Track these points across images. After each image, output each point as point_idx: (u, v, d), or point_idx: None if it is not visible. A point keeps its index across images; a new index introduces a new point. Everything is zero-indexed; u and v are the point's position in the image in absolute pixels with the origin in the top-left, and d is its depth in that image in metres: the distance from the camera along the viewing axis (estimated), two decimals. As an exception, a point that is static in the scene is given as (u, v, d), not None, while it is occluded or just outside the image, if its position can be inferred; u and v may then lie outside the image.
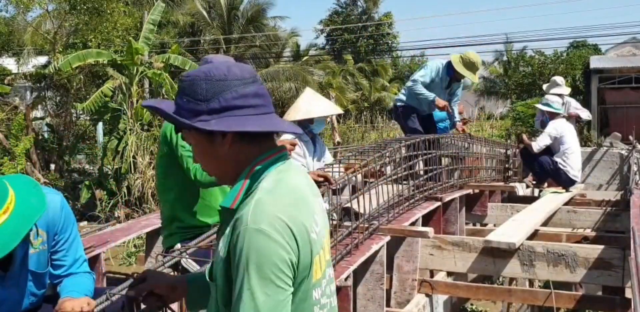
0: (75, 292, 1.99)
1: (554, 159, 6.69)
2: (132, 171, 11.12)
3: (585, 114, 7.75)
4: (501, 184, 6.81)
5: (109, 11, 12.88)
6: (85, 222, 10.29)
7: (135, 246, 9.31)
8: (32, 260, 1.94)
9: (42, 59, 16.97)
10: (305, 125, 3.73)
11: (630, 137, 10.57)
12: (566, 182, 6.77)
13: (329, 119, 7.74)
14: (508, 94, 26.27)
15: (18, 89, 16.05)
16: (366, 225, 3.73)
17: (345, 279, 3.20)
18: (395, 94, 26.51)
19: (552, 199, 6.42)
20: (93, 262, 3.41)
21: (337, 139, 15.91)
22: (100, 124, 13.64)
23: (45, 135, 14.20)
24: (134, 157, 11.06)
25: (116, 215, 10.70)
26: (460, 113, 6.79)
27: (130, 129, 11.42)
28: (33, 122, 13.10)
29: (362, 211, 3.75)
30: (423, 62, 38.25)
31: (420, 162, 4.99)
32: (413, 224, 4.32)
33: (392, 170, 4.45)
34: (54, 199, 1.95)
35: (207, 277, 1.40)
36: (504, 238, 4.33)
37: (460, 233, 5.52)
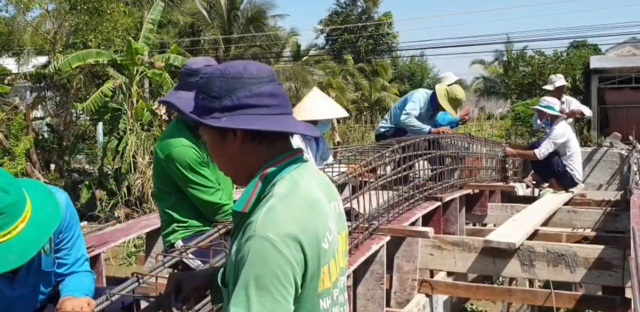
0: (76, 291, 1.98)
1: (562, 162, 6.71)
2: (132, 171, 11.13)
3: (587, 110, 7.76)
4: (501, 184, 6.82)
5: (109, 11, 12.90)
6: (85, 222, 10.30)
7: (135, 246, 9.33)
8: (39, 260, 1.94)
9: (42, 59, 16.98)
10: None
11: (630, 137, 10.56)
12: (569, 184, 6.79)
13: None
14: (508, 94, 26.26)
15: (18, 89, 16.06)
16: (366, 225, 3.73)
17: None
18: (396, 94, 26.57)
19: (552, 199, 6.43)
20: (93, 262, 3.40)
21: (337, 139, 15.92)
22: (100, 124, 13.66)
23: (45, 135, 14.23)
24: (134, 157, 11.07)
25: (116, 215, 10.72)
26: (466, 115, 6.77)
27: (130, 129, 11.43)
28: (33, 122, 13.13)
29: (362, 211, 3.75)
30: (423, 62, 38.45)
31: (422, 162, 4.99)
32: (413, 224, 4.32)
33: (392, 170, 4.45)
34: (60, 198, 1.95)
35: (219, 283, 1.37)
36: (504, 238, 4.33)
37: (460, 233, 5.52)
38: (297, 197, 1.23)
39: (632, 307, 2.54)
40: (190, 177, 2.63)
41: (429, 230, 3.98)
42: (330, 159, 4.03)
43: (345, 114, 4.12)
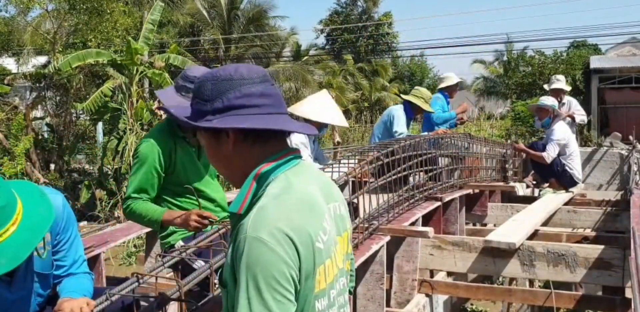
0: (75, 292, 1.98)
1: (562, 161, 6.73)
2: (132, 171, 11.11)
3: (579, 118, 7.71)
4: (501, 184, 6.82)
5: (108, 11, 12.89)
6: (85, 222, 10.29)
7: (135, 246, 9.33)
8: (37, 262, 1.93)
9: (42, 59, 16.98)
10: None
11: (630, 137, 10.56)
12: (569, 184, 6.81)
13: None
14: (508, 94, 26.26)
15: (18, 89, 16.05)
16: (366, 225, 3.72)
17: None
18: (396, 93, 26.55)
19: (552, 199, 6.43)
20: (93, 262, 3.40)
21: (337, 139, 15.93)
22: (100, 123, 13.66)
23: (45, 135, 14.22)
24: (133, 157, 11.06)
25: (116, 215, 10.70)
26: (463, 111, 6.82)
27: (130, 129, 11.42)
28: (33, 122, 13.13)
29: (361, 211, 3.74)
30: (423, 62, 38.49)
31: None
32: (413, 224, 4.31)
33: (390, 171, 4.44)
34: (55, 199, 1.94)
35: (218, 283, 1.38)
36: (504, 238, 4.33)
37: (460, 233, 5.52)
38: (290, 196, 1.22)
39: (632, 307, 2.53)
40: (132, 166, 2.68)
41: (429, 230, 3.98)
42: (328, 161, 4.04)
43: (346, 124, 4.26)
